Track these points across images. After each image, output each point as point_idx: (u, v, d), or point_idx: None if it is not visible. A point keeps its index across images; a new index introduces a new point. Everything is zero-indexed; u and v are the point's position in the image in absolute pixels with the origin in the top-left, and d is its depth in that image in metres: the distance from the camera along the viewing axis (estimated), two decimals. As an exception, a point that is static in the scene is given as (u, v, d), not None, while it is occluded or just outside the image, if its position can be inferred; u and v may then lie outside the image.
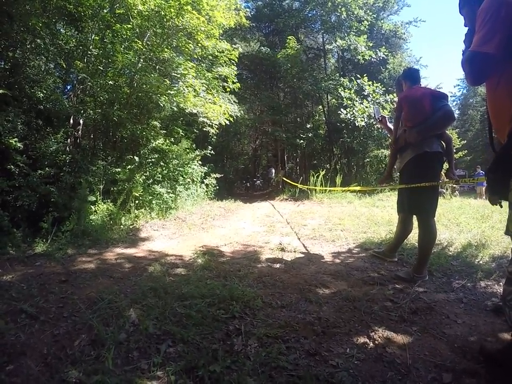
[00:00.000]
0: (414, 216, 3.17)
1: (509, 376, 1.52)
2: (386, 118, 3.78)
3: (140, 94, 6.94)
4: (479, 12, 1.57)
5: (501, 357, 1.60)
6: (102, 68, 6.32)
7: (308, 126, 16.04)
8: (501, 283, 2.68)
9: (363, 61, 13.44)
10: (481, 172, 13.14)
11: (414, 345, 1.85)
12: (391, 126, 3.69)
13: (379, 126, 3.82)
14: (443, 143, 3.06)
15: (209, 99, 7.97)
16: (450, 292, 2.66)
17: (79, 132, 6.45)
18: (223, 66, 9.05)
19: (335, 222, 5.96)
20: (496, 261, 3.34)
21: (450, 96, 38.29)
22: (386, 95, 12.54)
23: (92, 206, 5.13)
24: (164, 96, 6.86)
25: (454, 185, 10.77)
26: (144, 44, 6.42)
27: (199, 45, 7.46)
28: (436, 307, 2.33)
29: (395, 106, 3.12)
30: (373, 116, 3.81)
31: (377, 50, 13.30)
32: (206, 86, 8.02)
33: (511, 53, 1.48)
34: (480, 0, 1.59)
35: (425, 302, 2.43)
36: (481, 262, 3.36)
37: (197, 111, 7.78)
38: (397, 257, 3.59)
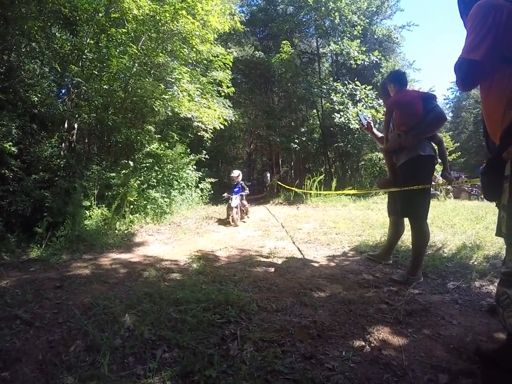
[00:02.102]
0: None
1: (505, 375, 1.53)
2: (372, 124, 3.80)
3: (134, 99, 6.95)
4: (469, 17, 1.57)
5: (497, 357, 1.61)
6: (96, 72, 6.31)
7: (302, 130, 16.07)
8: (496, 284, 2.70)
9: (355, 66, 13.51)
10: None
11: (409, 346, 1.86)
12: (376, 132, 3.74)
13: (367, 132, 3.84)
14: (434, 146, 3.09)
15: (204, 103, 7.99)
16: (445, 293, 2.68)
17: (74, 136, 6.43)
18: (217, 70, 9.08)
19: (330, 226, 5.97)
20: (490, 261, 3.37)
21: (444, 99, 38.75)
22: (379, 99, 12.59)
23: (86, 211, 5.12)
24: (159, 101, 6.87)
25: (449, 187, 10.83)
26: (139, 48, 6.43)
27: (194, 49, 7.47)
28: (431, 308, 2.34)
29: (386, 111, 3.12)
30: (360, 123, 3.86)
31: (371, 54, 13.38)
32: (201, 91, 8.04)
33: (501, 57, 1.49)
34: None
35: (420, 303, 2.43)
36: (475, 263, 3.39)
37: (192, 116, 7.79)
38: (392, 260, 3.60)
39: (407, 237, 4.13)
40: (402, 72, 3.49)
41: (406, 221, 3.19)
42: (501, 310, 1.52)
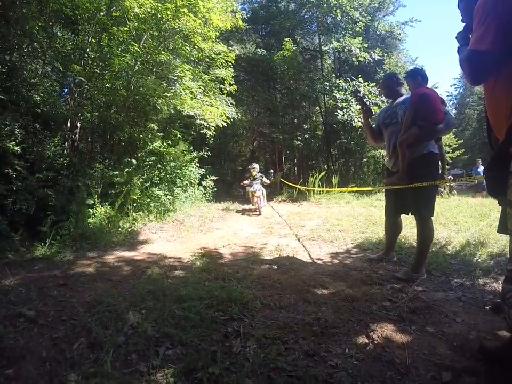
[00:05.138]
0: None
1: (509, 373, 1.52)
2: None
3: (137, 97, 6.93)
4: (476, 8, 1.53)
5: (501, 355, 1.60)
6: (99, 71, 6.30)
7: (305, 127, 16.02)
8: (500, 281, 2.69)
9: (357, 63, 13.45)
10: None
11: (413, 344, 1.85)
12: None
13: (363, 116, 3.62)
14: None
15: (206, 101, 7.99)
16: (449, 290, 2.67)
17: (77, 135, 6.44)
18: (219, 68, 9.05)
19: (333, 223, 5.96)
20: (495, 259, 3.35)
21: (447, 96, 38.59)
22: (382, 95, 12.50)
23: (90, 209, 5.13)
24: (161, 99, 6.86)
25: (452, 184, 10.79)
26: (141, 47, 6.42)
27: (196, 47, 7.46)
28: (434, 306, 2.33)
29: (412, 100, 3.01)
30: (359, 98, 3.65)
31: (372, 51, 13.30)
32: (203, 88, 8.03)
33: (508, 51, 1.46)
34: None
35: (424, 301, 2.43)
36: (479, 260, 3.37)
37: (194, 113, 7.79)
38: (396, 257, 3.59)
39: (410, 234, 4.12)
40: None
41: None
42: (506, 308, 1.51)
